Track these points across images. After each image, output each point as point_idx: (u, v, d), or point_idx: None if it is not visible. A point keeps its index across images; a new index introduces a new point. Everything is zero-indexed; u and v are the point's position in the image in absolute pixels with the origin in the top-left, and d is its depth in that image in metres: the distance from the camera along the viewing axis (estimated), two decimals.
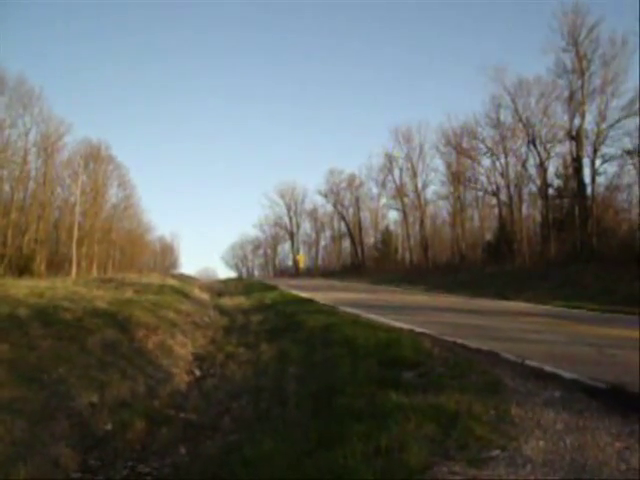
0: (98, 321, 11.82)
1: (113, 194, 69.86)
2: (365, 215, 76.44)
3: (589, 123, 37.27)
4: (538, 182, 42.80)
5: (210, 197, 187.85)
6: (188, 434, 7.14)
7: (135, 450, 6.73)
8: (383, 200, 71.41)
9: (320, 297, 22.28)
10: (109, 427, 7.26)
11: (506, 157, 45.50)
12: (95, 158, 62.18)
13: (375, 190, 71.60)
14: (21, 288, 15.91)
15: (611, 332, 11.82)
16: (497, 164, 46.75)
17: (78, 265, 53.44)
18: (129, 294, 18.42)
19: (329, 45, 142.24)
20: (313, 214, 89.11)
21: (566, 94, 38.23)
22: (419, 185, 60.37)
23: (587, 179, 37.34)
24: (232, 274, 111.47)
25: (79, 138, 59.68)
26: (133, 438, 6.99)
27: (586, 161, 37.28)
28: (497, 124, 44.70)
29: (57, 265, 51.24)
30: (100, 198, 63.82)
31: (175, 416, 7.97)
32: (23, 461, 5.65)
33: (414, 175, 60.60)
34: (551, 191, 42.22)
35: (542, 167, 41.56)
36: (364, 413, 5.70)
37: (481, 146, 47.57)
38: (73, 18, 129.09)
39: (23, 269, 42.82)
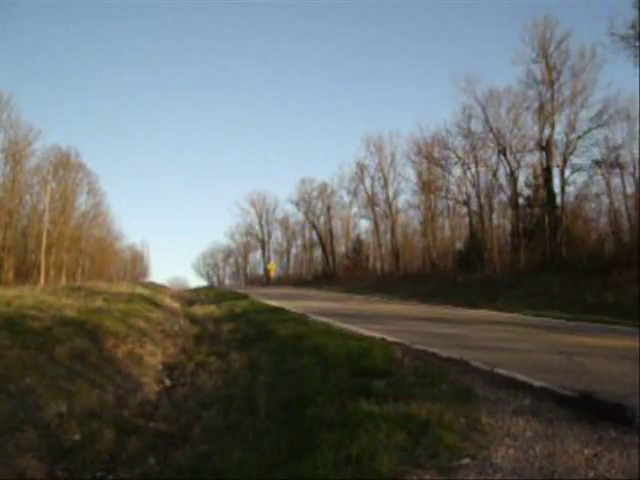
0: (67, 330, 11.63)
1: (82, 202, 68.94)
2: (336, 224, 76.59)
3: (559, 133, 37.97)
4: (508, 192, 43.28)
5: (181, 205, 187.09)
6: (158, 444, 7.05)
7: (104, 460, 6.61)
8: (354, 209, 71.90)
9: (291, 306, 22.21)
10: (77, 437, 7.13)
11: (477, 167, 46.01)
12: (64, 165, 61.40)
13: (346, 199, 71.78)
14: None
15: (581, 340, 11.96)
16: (468, 174, 47.21)
17: (46, 273, 52.82)
18: (98, 303, 18.13)
19: (300, 54, 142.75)
20: (284, 223, 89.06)
21: (536, 105, 38.86)
22: (390, 194, 60.72)
23: (557, 189, 37.97)
24: (203, 283, 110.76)
25: (48, 145, 58.94)
26: (102, 448, 6.87)
27: (556, 171, 37.90)
28: (468, 134, 45.14)
29: (25, 273, 50.50)
30: (69, 206, 62.93)
31: (145, 426, 7.87)
32: None
33: (385, 184, 60.91)
34: (521, 201, 42.77)
35: (512, 177, 42.02)
36: (335, 422, 5.69)
37: (452, 156, 47.92)
38: (42, 24, 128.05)
39: None
